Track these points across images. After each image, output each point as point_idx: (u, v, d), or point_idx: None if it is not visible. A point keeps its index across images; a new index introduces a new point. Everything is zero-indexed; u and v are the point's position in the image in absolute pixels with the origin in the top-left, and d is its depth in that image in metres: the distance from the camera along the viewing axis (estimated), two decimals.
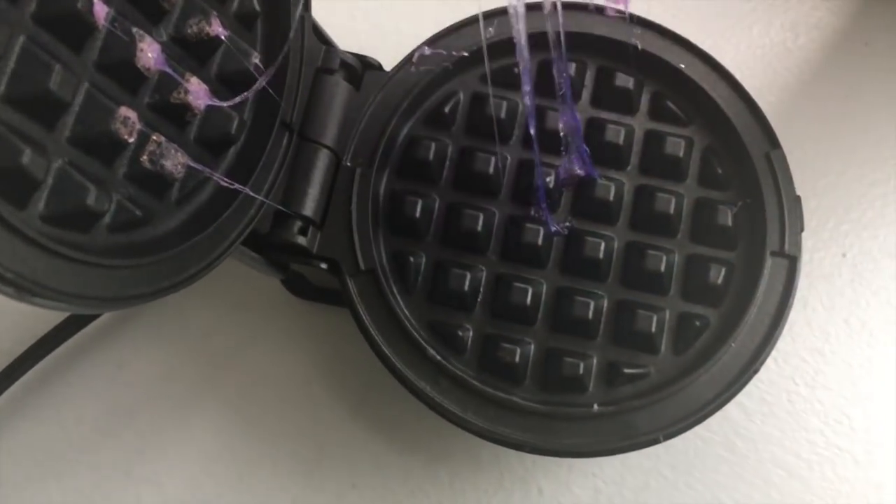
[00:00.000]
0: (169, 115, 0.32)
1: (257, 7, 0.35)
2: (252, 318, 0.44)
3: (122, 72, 0.29)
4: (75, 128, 0.28)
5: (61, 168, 0.27)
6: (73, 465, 0.42)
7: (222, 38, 0.33)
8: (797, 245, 0.38)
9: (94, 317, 0.42)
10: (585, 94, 0.41)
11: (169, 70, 0.30)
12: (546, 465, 0.42)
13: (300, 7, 0.36)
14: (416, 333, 0.37)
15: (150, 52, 0.29)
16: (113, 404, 0.43)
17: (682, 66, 0.40)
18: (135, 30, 0.29)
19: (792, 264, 0.38)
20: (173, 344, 0.44)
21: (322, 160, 0.38)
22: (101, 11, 0.27)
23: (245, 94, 0.34)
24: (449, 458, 0.42)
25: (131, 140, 0.29)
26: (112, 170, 0.30)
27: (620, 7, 0.40)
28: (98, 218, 0.28)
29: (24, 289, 0.25)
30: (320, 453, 0.42)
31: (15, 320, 0.44)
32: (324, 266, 0.38)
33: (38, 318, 0.42)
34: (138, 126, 0.29)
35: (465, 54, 0.40)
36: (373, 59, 0.40)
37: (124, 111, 0.29)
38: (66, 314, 0.41)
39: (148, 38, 0.29)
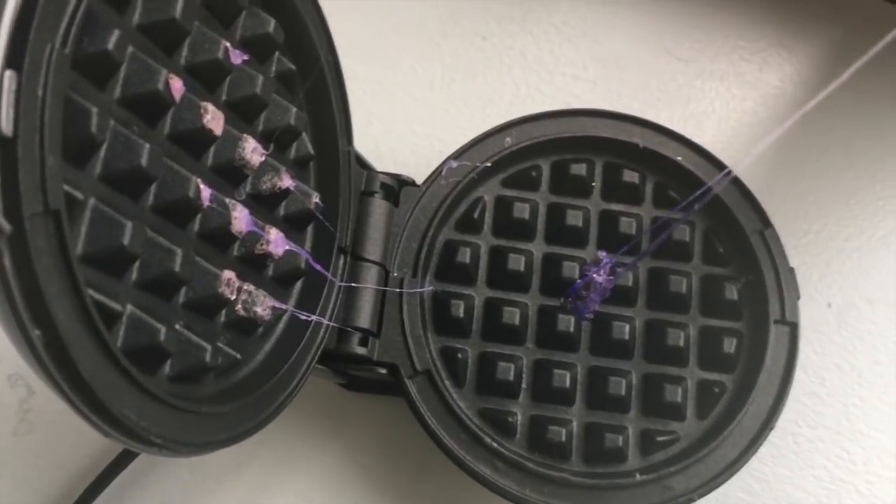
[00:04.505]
0: (253, 263, 0.35)
1: (311, 150, 0.39)
2: (308, 414, 0.48)
3: (219, 238, 0.33)
4: (188, 295, 0.31)
5: (179, 333, 0.31)
6: None
7: (291, 188, 0.37)
8: (796, 312, 0.44)
9: None
10: (596, 190, 0.46)
11: (255, 228, 0.34)
12: None
13: (344, 142, 0.41)
14: (471, 423, 0.41)
15: (241, 219, 0.33)
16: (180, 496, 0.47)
17: (679, 158, 0.45)
18: (228, 201, 0.33)
19: (793, 330, 0.43)
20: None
21: (373, 275, 0.42)
22: (205, 194, 0.31)
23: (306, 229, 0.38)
24: None
25: (233, 298, 0.33)
26: (213, 322, 0.33)
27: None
28: (211, 370, 0.32)
29: (166, 448, 0.29)
30: None
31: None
32: (382, 371, 0.42)
33: None
34: (237, 283, 0.33)
35: (489, 164, 0.45)
36: (406, 177, 0.44)
37: (227, 274, 0.32)
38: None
39: (239, 206, 0.33)
